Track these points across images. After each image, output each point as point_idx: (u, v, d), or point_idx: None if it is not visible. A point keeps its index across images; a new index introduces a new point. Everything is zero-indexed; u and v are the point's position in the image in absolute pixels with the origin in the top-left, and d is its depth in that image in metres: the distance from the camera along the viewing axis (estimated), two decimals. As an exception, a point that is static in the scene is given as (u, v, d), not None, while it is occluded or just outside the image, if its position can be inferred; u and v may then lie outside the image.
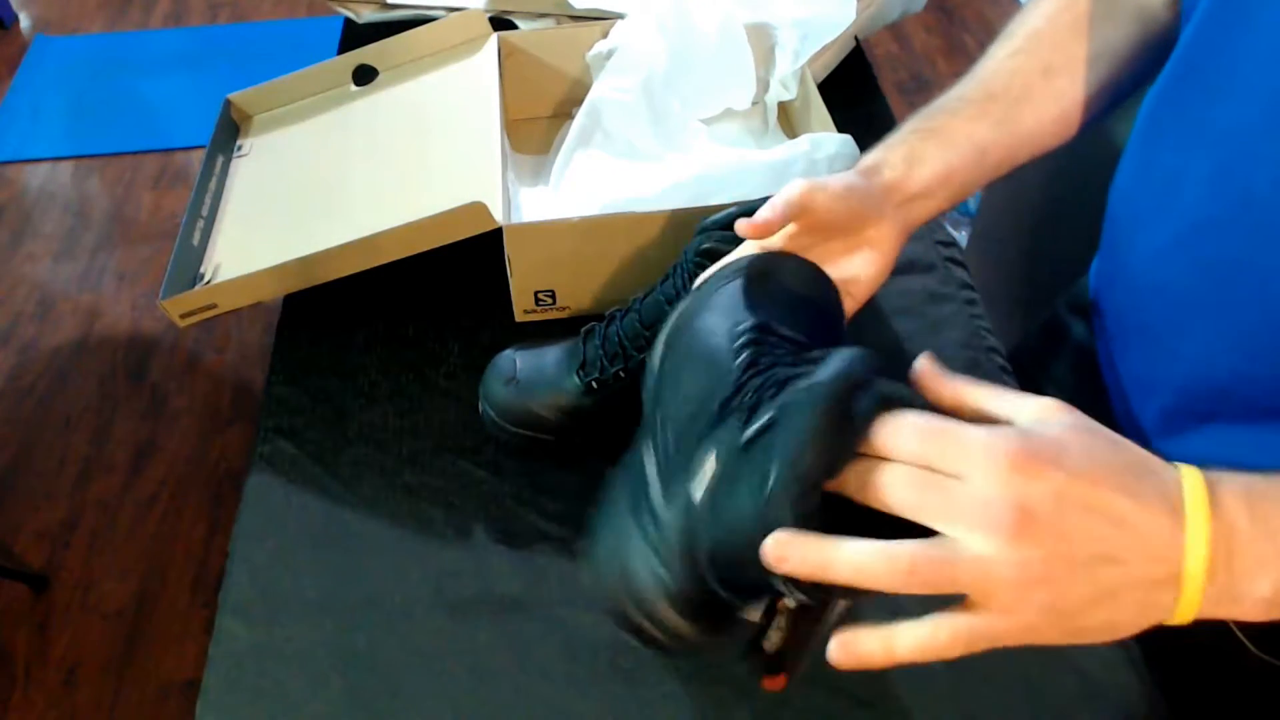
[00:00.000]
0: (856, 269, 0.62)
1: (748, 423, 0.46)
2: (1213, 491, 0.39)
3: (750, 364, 0.50)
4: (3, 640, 1.55)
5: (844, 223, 0.60)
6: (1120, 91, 0.69)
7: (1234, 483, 0.39)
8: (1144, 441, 0.69)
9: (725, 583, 0.47)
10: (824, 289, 0.60)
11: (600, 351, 0.72)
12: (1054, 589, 0.38)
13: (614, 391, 0.72)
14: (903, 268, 0.91)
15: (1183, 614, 0.40)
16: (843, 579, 0.40)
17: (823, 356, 0.47)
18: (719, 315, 0.56)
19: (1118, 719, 0.63)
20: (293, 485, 0.76)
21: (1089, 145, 1.31)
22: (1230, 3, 0.54)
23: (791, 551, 0.40)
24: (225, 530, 1.65)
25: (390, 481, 0.76)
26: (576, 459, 0.76)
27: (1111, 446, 0.40)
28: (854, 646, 0.42)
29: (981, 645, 0.40)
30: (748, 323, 0.54)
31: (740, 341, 0.52)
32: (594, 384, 0.72)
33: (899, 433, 0.40)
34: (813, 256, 0.60)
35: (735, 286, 0.57)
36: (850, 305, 0.63)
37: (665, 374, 0.56)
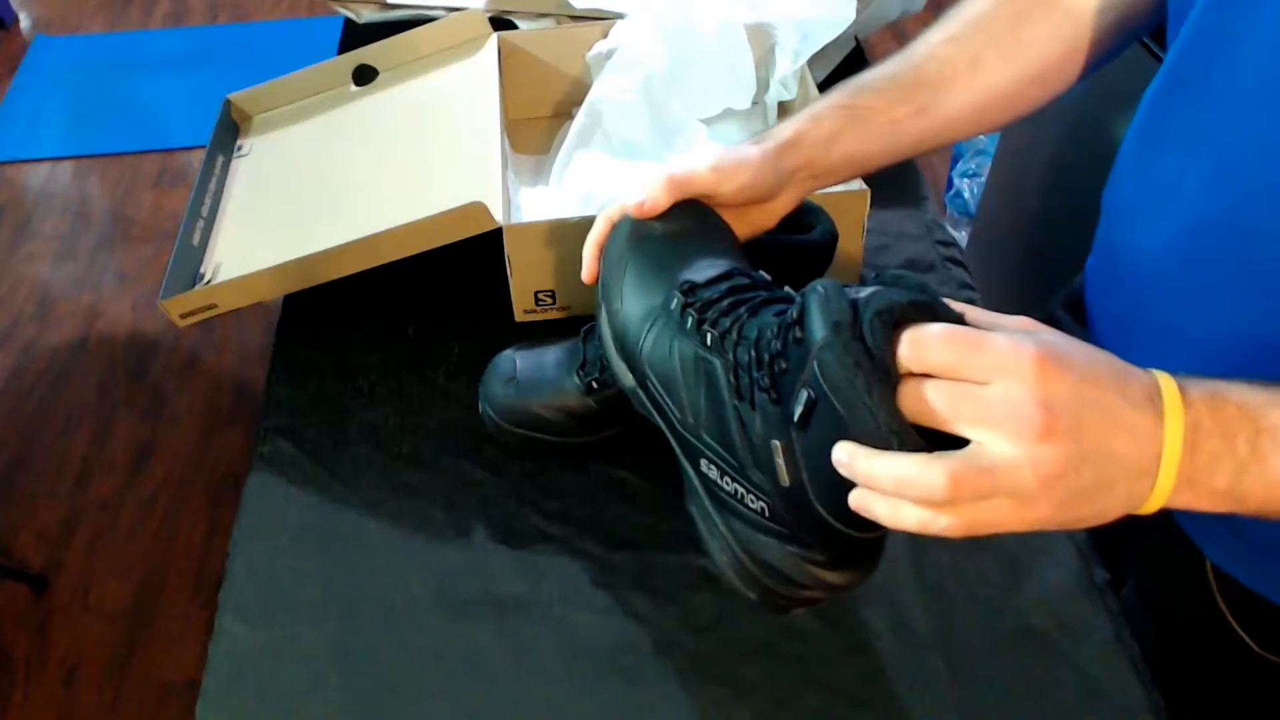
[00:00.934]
0: (747, 227, 0.65)
1: (786, 402, 0.48)
2: (1183, 391, 0.43)
3: (719, 339, 0.53)
4: (3, 640, 1.55)
5: (743, 200, 0.63)
6: (1045, 93, 0.69)
7: (1199, 386, 0.44)
8: None
9: (847, 523, 0.49)
10: (714, 219, 0.64)
11: (600, 351, 0.72)
12: (1069, 482, 0.42)
13: (614, 391, 0.72)
14: (903, 267, 0.91)
15: (1155, 500, 0.44)
16: (888, 489, 0.44)
17: (791, 294, 0.52)
18: (637, 311, 0.59)
19: (1117, 719, 0.63)
20: (293, 485, 0.76)
21: (1088, 145, 1.31)
22: (1226, 5, 0.54)
23: (856, 465, 0.44)
24: (225, 530, 1.64)
25: (390, 481, 0.76)
26: (576, 459, 0.76)
27: (1097, 353, 0.45)
28: (866, 503, 0.46)
29: (986, 530, 0.44)
30: (675, 297, 0.56)
31: (684, 317, 0.55)
32: (594, 384, 0.72)
33: (927, 346, 0.43)
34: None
35: (632, 267, 0.61)
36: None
37: (662, 396, 0.58)
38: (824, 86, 0.98)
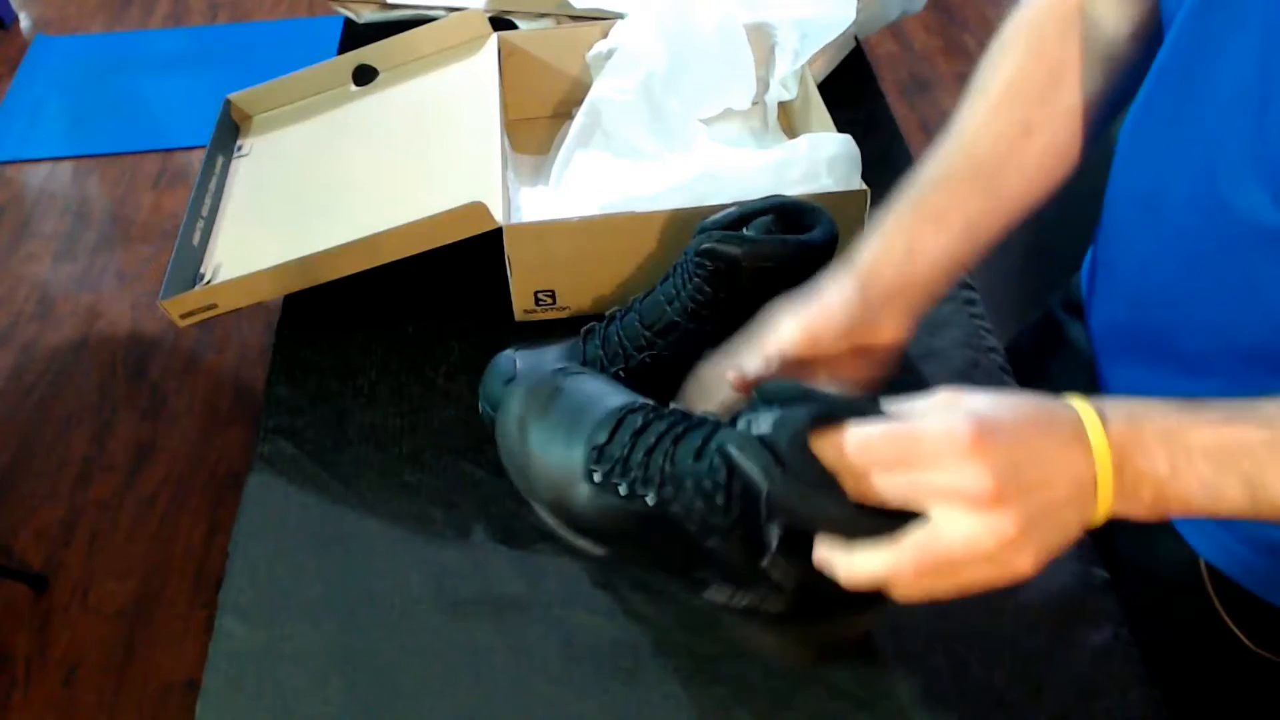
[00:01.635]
0: (864, 368, 0.63)
1: (756, 536, 0.52)
2: (1103, 419, 0.47)
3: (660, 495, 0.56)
4: (3, 640, 1.55)
5: (844, 348, 0.61)
6: (1098, 133, 0.68)
7: (1117, 410, 0.48)
8: None
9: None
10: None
11: (600, 351, 0.72)
12: (1030, 535, 0.46)
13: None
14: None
15: (1099, 516, 0.48)
16: (862, 584, 0.49)
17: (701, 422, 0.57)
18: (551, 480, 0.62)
19: (1117, 719, 0.63)
20: (293, 485, 0.76)
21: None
22: (1201, 23, 0.54)
23: (838, 571, 0.50)
24: (225, 530, 1.64)
25: (390, 481, 0.76)
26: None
27: (1019, 403, 0.48)
28: (832, 564, 0.50)
29: (975, 590, 0.48)
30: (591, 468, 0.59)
31: (609, 483, 0.58)
32: (594, 384, 0.72)
33: (871, 449, 0.48)
34: (820, 371, 0.61)
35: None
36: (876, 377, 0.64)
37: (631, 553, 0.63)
38: (824, 87, 0.98)
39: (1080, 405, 0.48)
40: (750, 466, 0.51)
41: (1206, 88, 0.55)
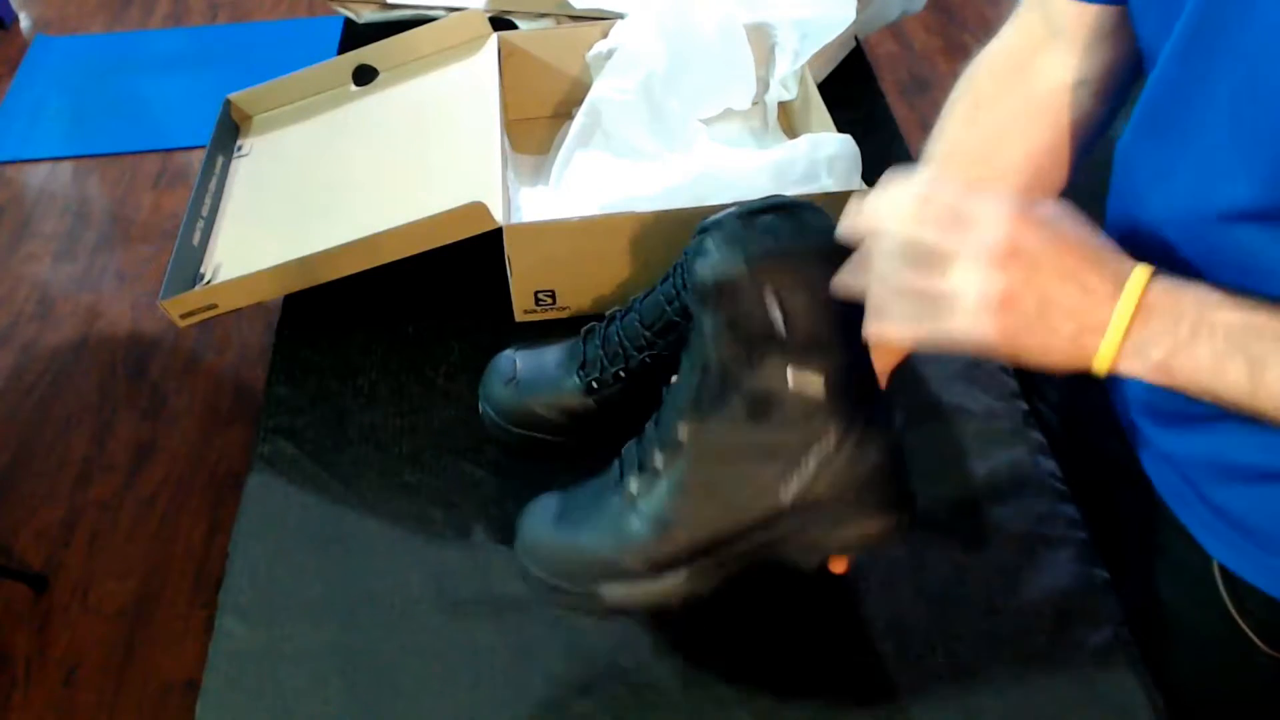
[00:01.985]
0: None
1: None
2: (1150, 283, 0.47)
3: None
4: (3, 640, 1.55)
5: None
6: (1055, 179, 0.68)
7: (1169, 281, 0.48)
8: (1144, 441, 0.69)
9: None
10: None
11: (600, 351, 0.73)
12: (1006, 307, 0.47)
13: (614, 391, 0.72)
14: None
15: (1102, 359, 0.47)
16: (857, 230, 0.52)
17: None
18: None
19: (1117, 719, 0.63)
20: (293, 485, 0.76)
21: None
22: (1194, 51, 0.54)
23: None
24: (225, 530, 1.64)
25: (390, 481, 0.76)
26: (576, 459, 0.76)
27: (1091, 233, 0.48)
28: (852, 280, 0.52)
29: (939, 337, 0.49)
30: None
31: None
32: (594, 384, 0.72)
33: (929, 199, 0.48)
34: None
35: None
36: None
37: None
38: (824, 87, 0.98)
39: (1141, 267, 0.48)
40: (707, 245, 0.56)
41: (1196, 122, 0.55)
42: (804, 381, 0.56)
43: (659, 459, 0.59)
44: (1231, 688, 0.71)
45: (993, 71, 0.68)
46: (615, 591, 0.60)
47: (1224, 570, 0.67)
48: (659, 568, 0.59)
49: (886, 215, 0.50)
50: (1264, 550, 0.64)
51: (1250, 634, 0.67)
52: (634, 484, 0.60)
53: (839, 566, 0.62)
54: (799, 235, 0.58)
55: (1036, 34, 0.66)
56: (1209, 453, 0.63)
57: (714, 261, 0.56)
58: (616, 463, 0.64)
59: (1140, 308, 0.47)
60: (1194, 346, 0.47)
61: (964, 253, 0.47)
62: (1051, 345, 0.48)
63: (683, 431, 0.58)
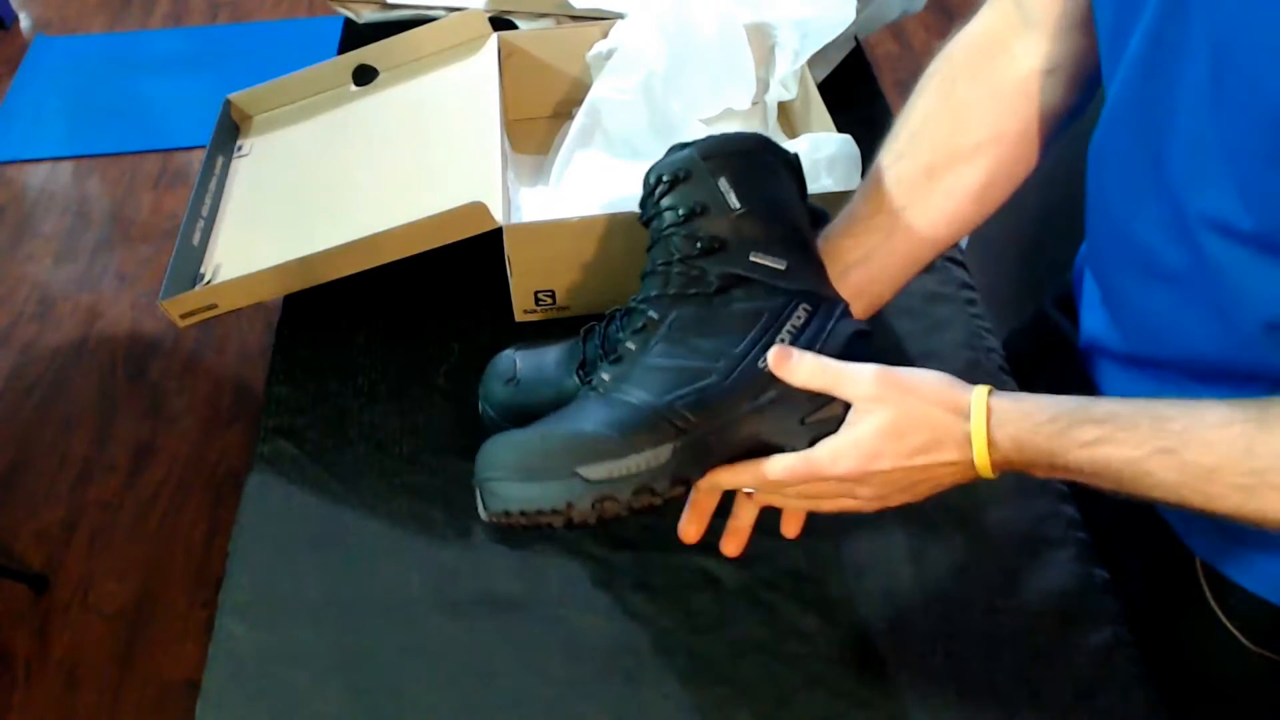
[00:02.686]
0: None
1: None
2: (991, 436, 0.55)
3: None
4: (3, 640, 1.55)
5: None
6: (1013, 177, 0.69)
7: (1007, 430, 0.55)
8: None
9: None
10: None
11: (600, 351, 0.72)
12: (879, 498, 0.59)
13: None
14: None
15: (983, 471, 0.57)
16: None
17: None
18: None
19: (1117, 719, 0.63)
20: (293, 485, 0.76)
21: (1088, 146, 1.31)
22: (1158, 53, 0.54)
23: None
24: (225, 530, 1.64)
25: (390, 481, 0.76)
26: (576, 459, 0.76)
27: (911, 429, 0.56)
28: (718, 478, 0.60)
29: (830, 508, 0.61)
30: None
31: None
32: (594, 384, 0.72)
33: (802, 367, 0.58)
34: None
35: None
36: None
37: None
38: (824, 87, 0.98)
39: (975, 423, 0.55)
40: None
41: (1166, 121, 0.55)
42: (764, 257, 0.61)
43: (631, 344, 0.61)
44: (1220, 685, 0.71)
45: (966, 54, 0.68)
46: (596, 471, 0.56)
47: (1206, 566, 0.67)
48: (642, 444, 0.57)
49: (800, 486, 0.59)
50: (1243, 546, 0.64)
51: (1234, 631, 0.67)
52: (605, 373, 0.61)
53: (791, 529, 0.64)
54: (743, 133, 0.64)
55: (1010, 20, 0.67)
56: None
57: (670, 159, 0.63)
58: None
59: (994, 466, 0.56)
60: (1055, 475, 0.56)
61: (850, 503, 0.60)
62: (943, 487, 0.59)
63: (654, 312, 0.61)
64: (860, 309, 0.68)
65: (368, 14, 1.18)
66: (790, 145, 0.86)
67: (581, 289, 0.84)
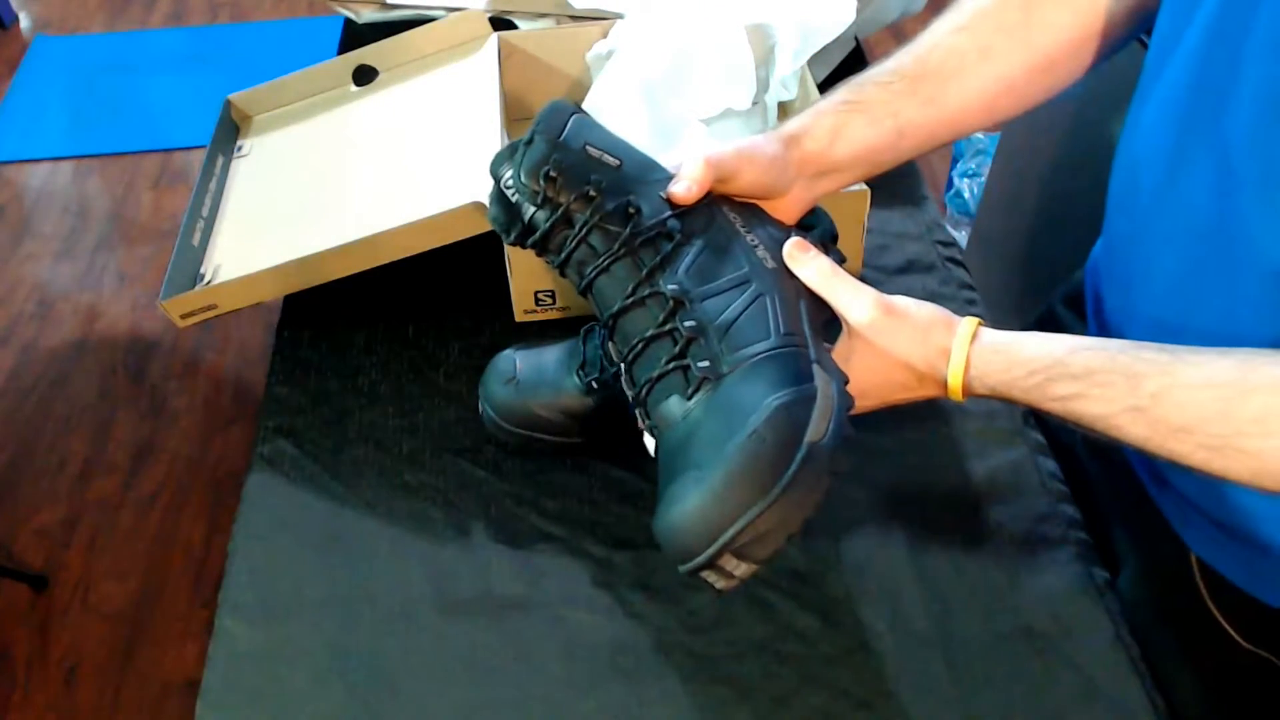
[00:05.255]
0: None
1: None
2: (969, 386, 0.57)
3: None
4: (3, 640, 1.55)
5: (759, 192, 0.64)
6: (1057, 82, 0.68)
7: (985, 379, 0.57)
8: None
9: None
10: None
11: (600, 351, 0.72)
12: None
13: (614, 391, 0.72)
14: (902, 268, 0.91)
15: (954, 391, 0.58)
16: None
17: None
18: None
19: (1117, 719, 0.63)
20: (293, 485, 0.76)
21: (1088, 145, 1.31)
22: (1233, 14, 0.54)
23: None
24: (225, 530, 1.64)
25: (390, 481, 0.76)
26: (576, 459, 0.76)
27: (897, 369, 0.58)
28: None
29: None
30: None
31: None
32: (594, 384, 0.72)
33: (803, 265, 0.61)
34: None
35: None
36: None
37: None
38: (824, 87, 0.98)
39: (954, 376, 0.57)
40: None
41: (1224, 109, 0.54)
42: (667, 189, 0.60)
43: (689, 324, 0.57)
44: (1215, 682, 0.71)
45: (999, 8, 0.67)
46: (818, 429, 0.54)
47: (1202, 564, 0.67)
48: (810, 374, 0.56)
49: None
50: (1236, 543, 0.64)
51: (1228, 628, 0.67)
52: (702, 360, 0.56)
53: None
54: (548, 114, 0.60)
55: None
56: None
57: (526, 161, 0.58)
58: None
59: (964, 389, 0.57)
60: (1016, 386, 0.56)
61: None
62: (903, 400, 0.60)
63: (668, 285, 0.58)
64: (858, 173, 0.67)
65: (368, 14, 1.18)
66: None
67: (581, 289, 0.84)
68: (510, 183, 0.59)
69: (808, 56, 0.95)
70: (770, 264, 0.61)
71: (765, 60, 0.99)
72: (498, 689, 0.64)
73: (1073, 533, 0.71)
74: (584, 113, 0.62)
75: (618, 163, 0.60)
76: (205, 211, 0.92)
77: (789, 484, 0.51)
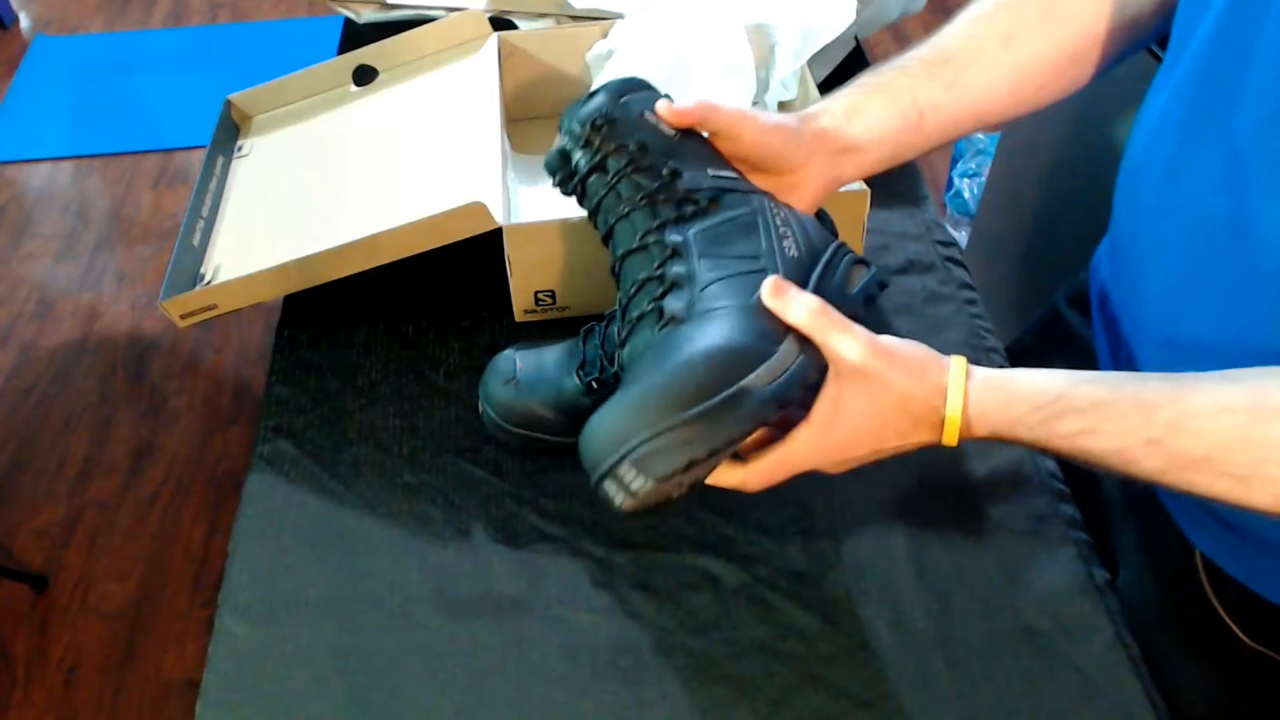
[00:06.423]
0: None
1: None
2: (969, 427, 0.56)
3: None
4: (3, 640, 1.55)
5: (769, 161, 0.63)
6: (1083, 73, 0.68)
7: (985, 422, 0.56)
8: None
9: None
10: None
11: (600, 351, 0.72)
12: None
13: (614, 391, 0.72)
14: (903, 268, 0.91)
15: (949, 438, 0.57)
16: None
17: None
18: None
19: (1117, 719, 0.63)
20: (293, 485, 0.76)
21: (1088, 145, 1.31)
22: (1242, 11, 0.54)
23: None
24: (225, 530, 1.64)
25: (390, 481, 0.76)
26: (576, 459, 0.76)
27: (891, 413, 0.56)
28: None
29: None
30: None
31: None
32: (594, 384, 0.72)
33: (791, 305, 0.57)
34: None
35: None
36: None
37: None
38: (824, 87, 0.98)
39: (950, 419, 0.56)
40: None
41: (1234, 105, 0.54)
42: (719, 170, 0.62)
43: (677, 270, 0.59)
44: (1220, 681, 0.71)
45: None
46: (761, 378, 0.54)
47: (1207, 562, 0.67)
48: (779, 336, 0.56)
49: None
50: (1245, 544, 0.64)
51: (1233, 626, 0.67)
52: (676, 301, 0.58)
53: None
54: (625, 79, 0.63)
55: None
56: None
57: (585, 109, 0.61)
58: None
59: (961, 434, 0.56)
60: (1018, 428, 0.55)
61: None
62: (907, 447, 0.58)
63: (673, 235, 0.60)
64: (882, 154, 0.66)
65: (368, 14, 1.18)
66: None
67: (581, 289, 0.84)
68: (563, 125, 0.63)
69: (808, 56, 0.95)
70: (793, 252, 0.61)
71: (765, 60, 0.99)
72: (498, 689, 0.64)
73: (1073, 532, 0.71)
74: (666, 96, 0.63)
75: (674, 134, 0.62)
76: (205, 211, 0.92)
77: (705, 412, 0.51)
